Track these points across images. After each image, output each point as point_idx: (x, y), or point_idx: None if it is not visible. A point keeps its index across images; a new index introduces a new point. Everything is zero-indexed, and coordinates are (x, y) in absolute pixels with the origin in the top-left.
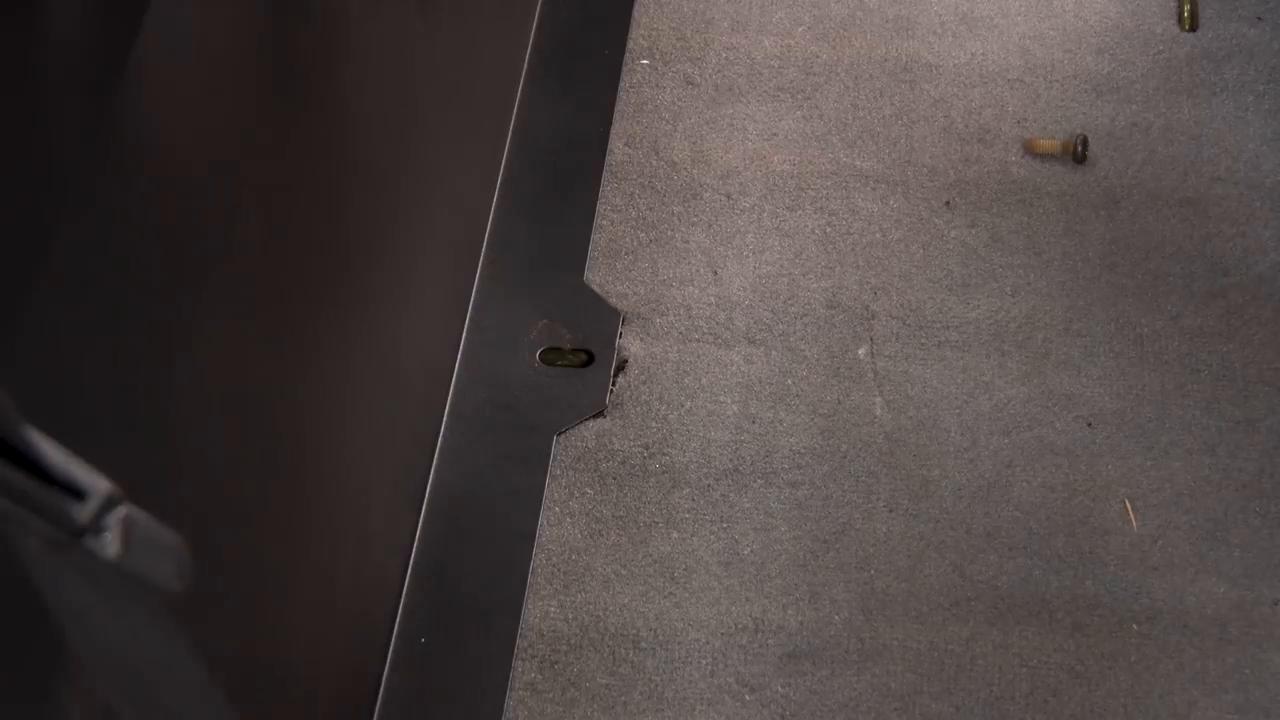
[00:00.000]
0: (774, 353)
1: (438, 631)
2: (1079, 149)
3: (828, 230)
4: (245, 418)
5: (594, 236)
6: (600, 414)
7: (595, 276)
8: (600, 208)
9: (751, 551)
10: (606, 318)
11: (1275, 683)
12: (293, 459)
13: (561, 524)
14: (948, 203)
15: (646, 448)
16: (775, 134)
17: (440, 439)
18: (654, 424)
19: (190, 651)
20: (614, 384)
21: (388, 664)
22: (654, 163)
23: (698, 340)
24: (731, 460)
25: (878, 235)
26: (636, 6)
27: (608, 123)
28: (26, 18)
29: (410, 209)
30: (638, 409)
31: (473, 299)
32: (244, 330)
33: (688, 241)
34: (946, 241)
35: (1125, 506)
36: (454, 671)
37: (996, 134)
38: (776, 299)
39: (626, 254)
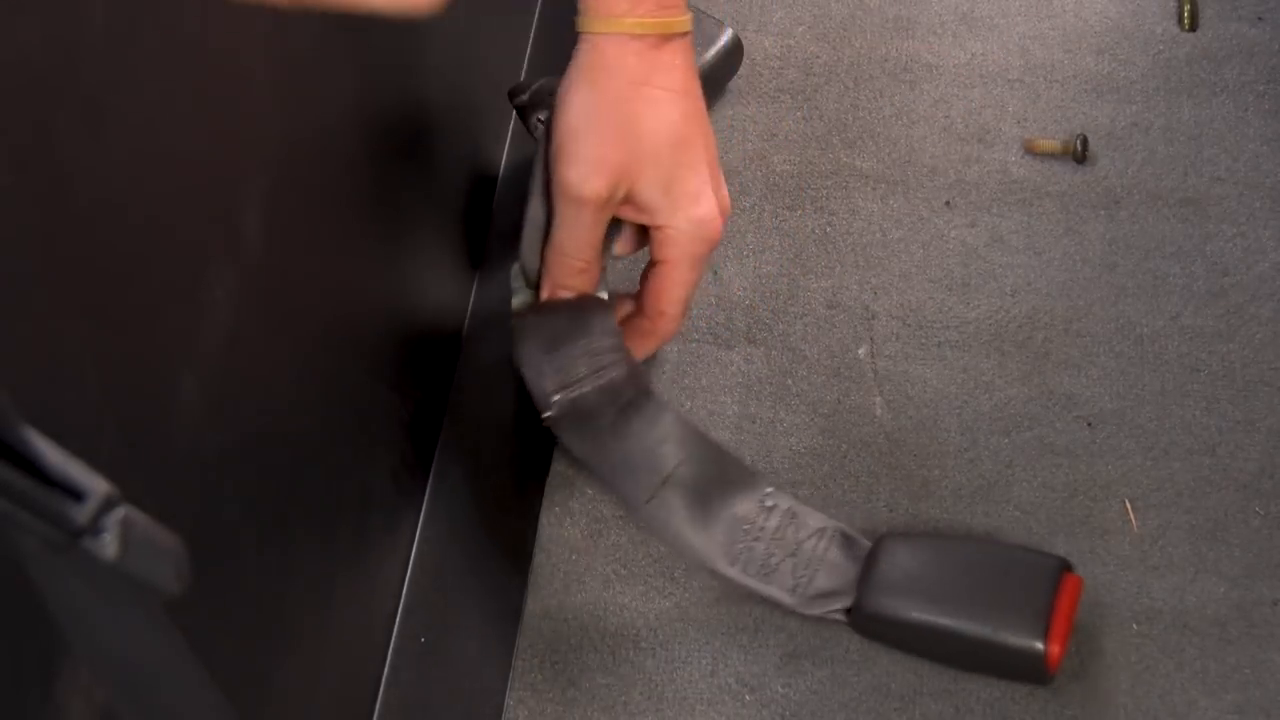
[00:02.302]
0: (774, 353)
1: (438, 631)
2: (1079, 149)
3: (828, 230)
4: (244, 419)
5: None
6: None
7: None
8: None
9: None
10: None
11: (1275, 683)
12: (291, 459)
13: (561, 524)
14: (948, 203)
15: None
16: (775, 134)
17: (440, 439)
18: None
19: (189, 652)
20: None
21: (388, 664)
22: None
23: (697, 340)
24: None
25: (878, 235)
26: None
27: None
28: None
29: (410, 208)
30: None
31: (473, 299)
32: (243, 330)
33: None
34: (946, 241)
35: (1125, 506)
36: (454, 671)
37: (996, 134)
38: (776, 299)
39: None
